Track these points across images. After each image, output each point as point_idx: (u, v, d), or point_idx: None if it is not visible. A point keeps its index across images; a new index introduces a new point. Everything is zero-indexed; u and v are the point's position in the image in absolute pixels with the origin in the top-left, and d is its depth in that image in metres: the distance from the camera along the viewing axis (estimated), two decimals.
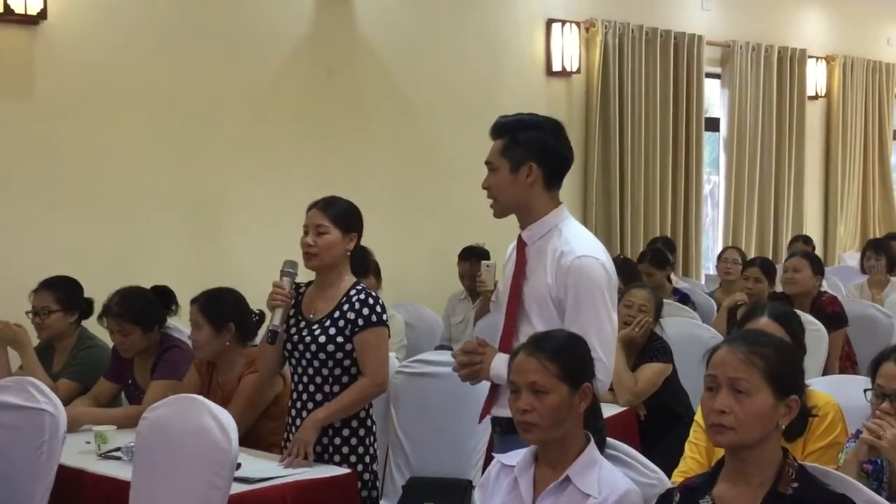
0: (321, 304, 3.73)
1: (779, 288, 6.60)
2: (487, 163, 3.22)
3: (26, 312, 4.70)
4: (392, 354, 4.77)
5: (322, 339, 3.66)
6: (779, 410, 2.37)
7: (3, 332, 4.58)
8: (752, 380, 2.36)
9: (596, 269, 3.09)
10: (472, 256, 6.56)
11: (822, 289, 6.11)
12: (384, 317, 3.71)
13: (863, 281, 7.08)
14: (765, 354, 2.38)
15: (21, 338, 4.58)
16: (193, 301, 4.17)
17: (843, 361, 5.73)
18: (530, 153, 3.14)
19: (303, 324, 3.73)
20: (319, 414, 3.64)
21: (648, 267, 6.83)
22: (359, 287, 3.73)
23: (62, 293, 4.68)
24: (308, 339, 3.68)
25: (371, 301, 3.68)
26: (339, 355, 3.66)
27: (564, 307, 3.08)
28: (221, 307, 4.14)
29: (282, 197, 6.11)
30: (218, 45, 6.13)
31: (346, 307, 3.68)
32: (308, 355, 3.68)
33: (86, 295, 4.79)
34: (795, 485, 2.36)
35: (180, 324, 4.75)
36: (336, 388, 3.69)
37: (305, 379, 3.71)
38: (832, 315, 5.78)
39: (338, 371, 3.67)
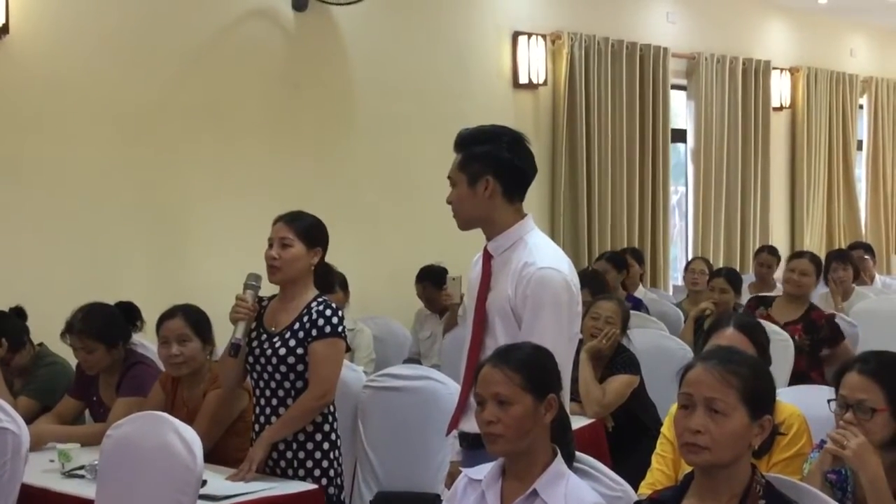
0: (283, 317, 3.72)
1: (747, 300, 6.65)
2: (449, 178, 3.23)
3: None
4: (360, 368, 4.78)
5: (282, 350, 3.65)
6: (753, 430, 2.39)
7: None
8: (728, 400, 2.36)
9: (557, 281, 3.09)
10: (427, 279, 6.57)
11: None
12: (340, 329, 3.68)
13: (827, 291, 7.12)
14: (741, 374, 2.39)
15: None
16: (168, 315, 4.12)
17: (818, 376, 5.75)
18: (486, 166, 3.15)
19: (264, 336, 3.72)
20: (267, 433, 3.65)
21: (605, 264, 6.92)
22: (320, 299, 3.72)
23: (3, 336, 4.61)
24: (269, 351, 3.67)
25: (328, 312, 3.67)
26: (300, 367, 3.65)
27: (522, 317, 3.08)
28: (204, 319, 4.12)
29: (247, 211, 6.08)
30: (184, 59, 6.10)
31: (305, 318, 3.67)
32: (269, 368, 3.67)
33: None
34: (763, 502, 2.38)
35: (145, 340, 4.72)
36: None
37: (268, 392, 3.70)
38: (837, 330, 5.81)
39: (300, 384, 3.66)
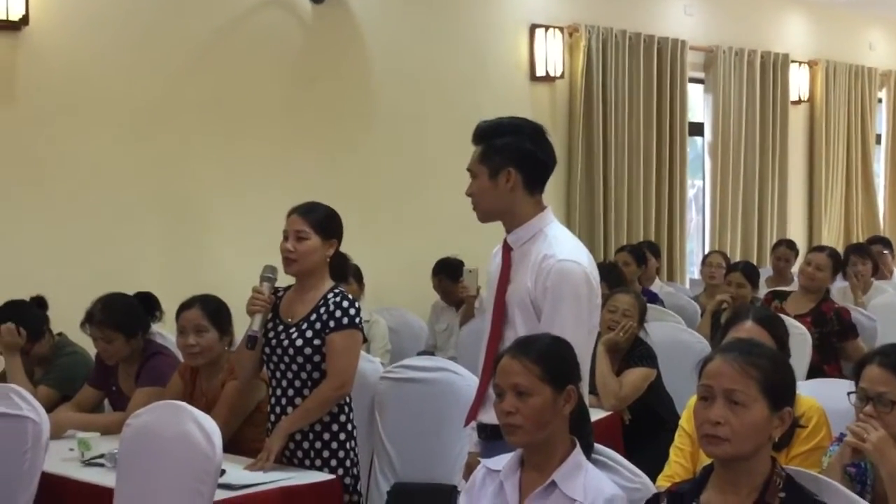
0: (299, 308, 3.73)
1: (764, 293, 6.63)
2: (468, 170, 3.22)
3: None
4: (376, 360, 4.78)
5: (299, 342, 3.66)
6: (773, 422, 2.37)
7: (12, 340, 4.55)
8: (748, 391, 2.35)
9: (577, 273, 3.08)
10: (443, 272, 6.57)
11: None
12: (357, 320, 3.69)
13: (845, 285, 7.10)
14: (761, 366, 2.38)
15: (18, 343, 4.58)
16: (187, 306, 4.13)
17: (833, 370, 5.74)
18: (508, 158, 3.14)
19: (280, 327, 3.73)
20: (284, 423, 3.66)
21: (626, 256, 6.91)
22: (336, 290, 3.73)
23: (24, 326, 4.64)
24: (286, 342, 3.68)
25: (345, 304, 3.68)
26: (317, 358, 3.66)
27: (541, 309, 3.07)
28: (223, 311, 4.14)
29: (264, 203, 6.09)
30: (201, 52, 6.12)
31: (322, 310, 3.68)
32: (286, 359, 3.68)
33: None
34: (783, 495, 2.36)
35: (164, 330, 4.73)
36: None
37: (284, 383, 3.71)
38: (852, 323, 5.80)
39: (316, 375, 3.67)
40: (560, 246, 3.12)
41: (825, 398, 3.30)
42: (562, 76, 8.06)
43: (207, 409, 3.64)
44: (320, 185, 6.01)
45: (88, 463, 3.77)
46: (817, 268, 5.95)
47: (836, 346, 5.75)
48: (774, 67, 10.02)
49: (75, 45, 5.64)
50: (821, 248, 6.32)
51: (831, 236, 10.70)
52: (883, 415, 2.84)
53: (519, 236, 3.18)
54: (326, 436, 3.69)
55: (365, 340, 4.78)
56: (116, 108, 5.76)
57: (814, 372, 5.22)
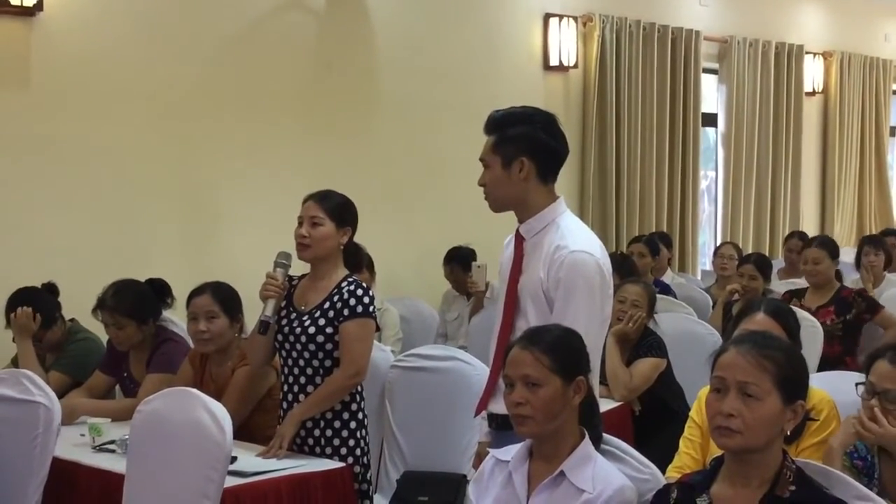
0: (312, 296, 3.74)
1: (776, 285, 6.62)
2: (481, 160, 3.21)
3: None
4: (388, 348, 4.79)
5: (312, 329, 3.66)
6: (785, 415, 2.37)
7: (26, 323, 4.58)
8: (762, 384, 2.34)
9: (589, 265, 3.08)
10: (455, 260, 6.57)
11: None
12: (371, 309, 3.70)
13: (857, 277, 7.08)
14: (775, 359, 2.37)
15: (31, 328, 4.60)
16: (198, 292, 4.13)
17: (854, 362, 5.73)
18: (521, 148, 3.13)
19: (294, 315, 3.73)
20: (296, 410, 3.66)
21: (642, 247, 6.92)
22: (350, 279, 3.73)
23: (38, 313, 4.66)
24: (298, 330, 3.68)
25: (360, 292, 3.68)
26: (329, 346, 3.66)
27: (553, 300, 3.07)
28: (234, 297, 4.14)
29: (277, 190, 6.10)
30: (216, 38, 6.12)
31: (335, 298, 3.68)
32: (298, 346, 3.69)
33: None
34: (793, 488, 2.36)
35: (176, 317, 4.75)
36: None
37: (297, 370, 3.72)
38: (872, 300, 5.85)
39: (328, 363, 3.68)
40: (573, 237, 3.11)
41: (836, 391, 3.29)
42: (575, 66, 8.05)
43: (217, 396, 3.64)
44: (334, 174, 6.01)
45: (99, 449, 3.78)
46: (815, 262, 5.97)
47: (863, 325, 5.76)
48: (789, 58, 9.99)
49: (89, 31, 5.64)
50: (808, 243, 6.34)
51: (844, 228, 10.68)
52: (888, 411, 2.84)
53: (531, 226, 3.18)
54: (337, 424, 3.70)
55: (377, 329, 4.77)
56: (130, 95, 5.77)
57: (836, 364, 5.20)
